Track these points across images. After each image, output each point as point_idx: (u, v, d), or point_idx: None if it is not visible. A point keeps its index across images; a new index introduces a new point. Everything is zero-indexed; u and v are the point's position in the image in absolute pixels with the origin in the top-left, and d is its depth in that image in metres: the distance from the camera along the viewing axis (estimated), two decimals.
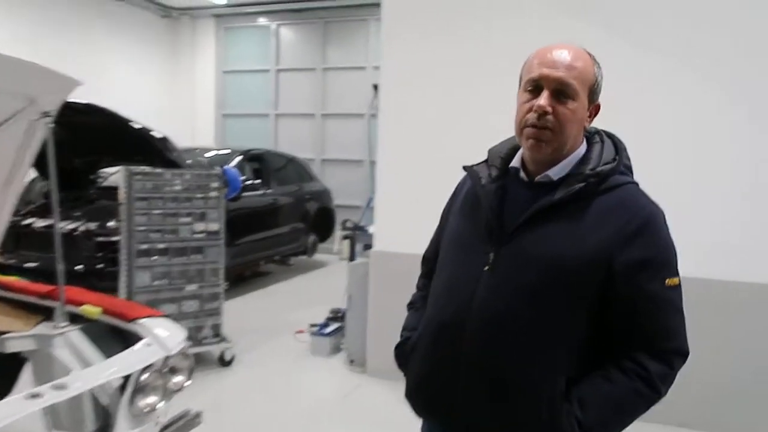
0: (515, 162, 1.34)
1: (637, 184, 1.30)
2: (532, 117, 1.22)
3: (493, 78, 3.51)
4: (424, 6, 3.70)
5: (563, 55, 1.23)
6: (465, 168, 1.44)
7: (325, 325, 4.43)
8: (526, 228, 1.25)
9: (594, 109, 1.29)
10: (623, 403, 1.20)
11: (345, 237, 5.21)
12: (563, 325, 1.24)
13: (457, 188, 1.51)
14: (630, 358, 1.20)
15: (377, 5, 3.89)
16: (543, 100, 1.21)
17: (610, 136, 1.35)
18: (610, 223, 1.21)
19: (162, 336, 1.97)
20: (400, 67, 3.78)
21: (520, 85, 1.30)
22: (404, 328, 1.55)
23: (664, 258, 1.24)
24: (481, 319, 1.26)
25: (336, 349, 4.31)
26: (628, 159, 1.32)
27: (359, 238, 4.85)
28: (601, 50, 1.36)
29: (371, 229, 4.40)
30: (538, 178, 1.29)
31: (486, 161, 1.41)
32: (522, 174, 1.32)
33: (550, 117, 1.21)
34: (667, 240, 1.26)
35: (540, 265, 1.22)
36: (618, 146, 1.32)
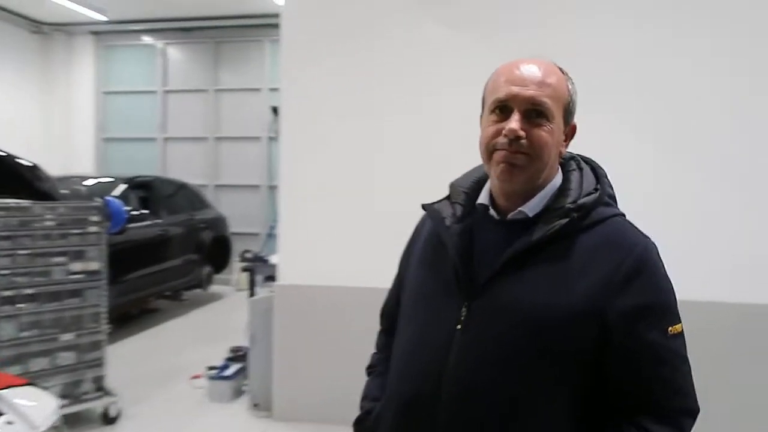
0: (483, 198, 1.16)
1: (623, 216, 1.13)
2: (502, 140, 1.06)
3: (401, 100, 3.51)
4: (325, 27, 3.58)
5: (533, 71, 1.08)
6: (424, 207, 1.24)
7: (225, 366, 4.08)
8: (501, 276, 1.07)
9: (570, 131, 1.14)
10: None
11: (245, 269, 4.91)
12: (553, 390, 1.05)
13: (416, 229, 1.31)
14: (634, 424, 1.03)
15: (273, 26, 3.70)
16: (514, 122, 1.05)
17: (588, 161, 1.20)
18: (600, 265, 1.04)
19: (26, 410, 1.62)
20: (301, 88, 3.61)
21: (483, 107, 1.14)
22: (364, 398, 1.34)
23: (664, 302, 1.06)
24: (457, 391, 1.07)
25: (238, 393, 3.97)
26: (611, 187, 1.16)
27: (260, 269, 4.58)
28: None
29: (273, 260, 4.17)
30: (511, 215, 1.12)
31: (448, 198, 1.22)
32: (492, 211, 1.14)
33: (523, 141, 1.05)
34: (666, 280, 1.08)
35: (522, 320, 1.04)
36: (598, 173, 1.16)
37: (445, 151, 2.98)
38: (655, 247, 1.09)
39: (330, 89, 3.56)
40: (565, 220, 1.06)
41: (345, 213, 3.58)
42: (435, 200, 1.25)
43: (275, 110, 6.25)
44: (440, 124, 3.40)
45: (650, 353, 1.03)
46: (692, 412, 1.06)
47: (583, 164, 1.17)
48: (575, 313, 1.02)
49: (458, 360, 1.07)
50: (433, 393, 1.08)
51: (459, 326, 1.08)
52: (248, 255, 4.93)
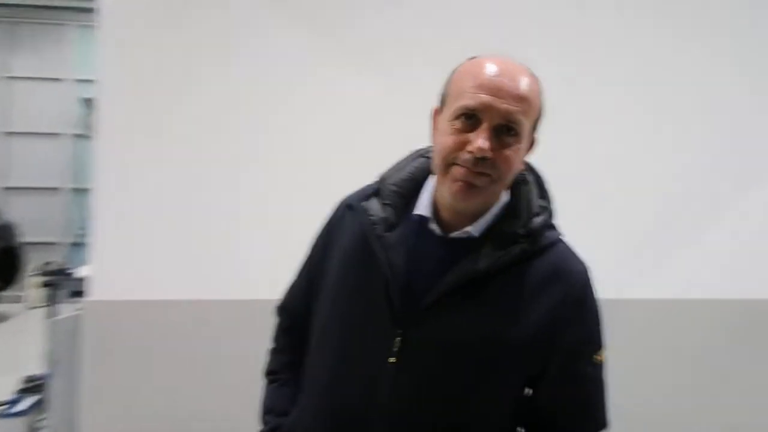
0: (423, 209, 1.04)
1: (563, 237, 1.08)
2: (466, 157, 0.95)
3: (241, 93, 3.29)
4: (152, 12, 3.21)
5: (513, 82, 0.95)
6: (350, 204, 1.08)
7: (16, 401, 3.48)
8: (443, 304, 0.97)
9: (530, 146, 1.03)
10: None
11: (45, 284, 4.23)
12: (496, 423, 1.02)
13: (332, 221, 1.13)
14: None
15: (80, 10, 3.24)
16: (483, 140, 0.93)
17: (531, 169, 1.11)
18: (548, 296, 1.00)
19: None
20: (124, 80, 3.20)
21: (443, 103, 1.01)
22: (268, 411, 1.16)
23: (599, 330, 1.06)
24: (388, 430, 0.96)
25: (32, 431, 3.40)
26: (551, 202, 1.10)
27: (64, 284, 3.97)
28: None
29: (82, 272, 3.65)
30: (455, 234, 1.01)
31: (376, 192, 1.06)
32: (434, 226, 1.03)
33: (488, 164, 0.95)
34: (598, 308, 1.07)
35: (468, 357, 0.97)
36: (542, 185, 1.08)
37: (284, 152, 2.89)
38: (590, 272, 1.07)
39: (156, 81, 3.20)
40: (517, 249, 0.99)
41: (171, 218, 3.23)
42: (358, 192, 1.10)
43: (87, 103, 5.54)
44: (277, 118, 3.21)
45: (583, 383, 1.04)
46: (606, 427, 1.09)
47: (527, 174, 1.09)
48: (525, 347, 0.98)
49: (391, 398, 0.95)
50: (362, 422, 0.96)
51: (392, 359, 0.95)
52: (50, 268, 4.27)
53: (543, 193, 1.07)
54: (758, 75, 3.63)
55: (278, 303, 1.26)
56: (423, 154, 1.10)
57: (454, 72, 1.02)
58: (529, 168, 1.11)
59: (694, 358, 3.24)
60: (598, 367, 1.05)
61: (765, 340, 3.35)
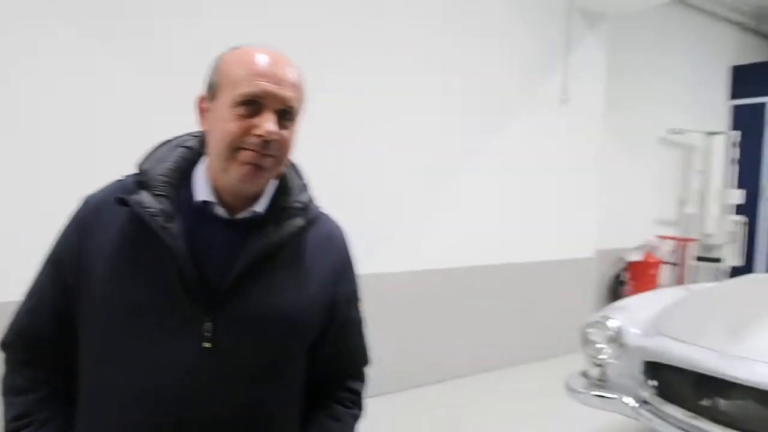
0: (204, 194, 1.04)
1: (323, 210, 1.21)
2: (254, 141, 0.98)
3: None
4: None
5: (282, 68, 1.02)
6: (124, 201, 1.01)
7: None
8: (244, 281, 1.00)
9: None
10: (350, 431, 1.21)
11: None
12: (298, 385, 1.13)
13: (83, 220, 1.05)
14: (343, 388, 1.21)
15: None
16: (271, 124, 0.99)
17: None
18: (326, 259, 1.13)
19: None
20: None
21: (213, 92, 1.03)
22: (17, 417, 1.04)
23: (358, 285, 1.23)
24: (222, 415, 0.98)
25: None
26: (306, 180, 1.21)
27: None
28: None
29: None
30: (242, 215, 1.05)
31: (142, 185, 1.03)
32: (220, 210, 1.05)
33: (274, 146, 1.01)
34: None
35: (278, 325, 1.03)
36: (297, 168, 1.17)
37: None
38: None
39: None
40: (300, 222, 1.07)
41: None
42: (111, 187, 1.06)
43: None
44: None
45: (355, 328, 1.22)
46: (368, 364, 1.28)
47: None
48: (317, 306, 1.09)
49: (213, 380, 0.97)
50: (183, 424, 0.96)
51: (207, 344, 0.96)
52: None
53: (299, 173, 1.16)
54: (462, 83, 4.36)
55: (3, 338, 1.09)
56: (180, 144, 1.10)
57: (220, 61, 1.05)
58: None
59: (426, 316, 4.21)
60: (361, 314, 1.24)
61: (482, 298, 4.60)
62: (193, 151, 1.10)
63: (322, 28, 3.68)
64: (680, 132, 6.66)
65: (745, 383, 2.39)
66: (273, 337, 1.03)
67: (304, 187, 1.14)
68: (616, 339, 2.88)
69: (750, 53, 7.52)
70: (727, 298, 3.23)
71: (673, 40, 6.60)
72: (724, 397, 2.64)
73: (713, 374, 2.48)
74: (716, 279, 6.81)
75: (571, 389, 3.04)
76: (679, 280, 6.36)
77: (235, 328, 0.99)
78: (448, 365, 4.49)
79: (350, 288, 1.18)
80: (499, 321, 4.81)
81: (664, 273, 6.24)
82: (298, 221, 1.07)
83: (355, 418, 1.22)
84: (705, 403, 2.68)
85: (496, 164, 4.70)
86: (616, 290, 6.14)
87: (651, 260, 6.02)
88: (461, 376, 4.54)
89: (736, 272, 6.70)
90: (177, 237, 0.99)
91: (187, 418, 0.97)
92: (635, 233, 6.34)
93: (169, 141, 1.12)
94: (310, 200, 1.13)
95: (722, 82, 7.39)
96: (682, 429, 2.57)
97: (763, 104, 7.20)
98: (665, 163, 6.71)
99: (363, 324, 1.24)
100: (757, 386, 2.36)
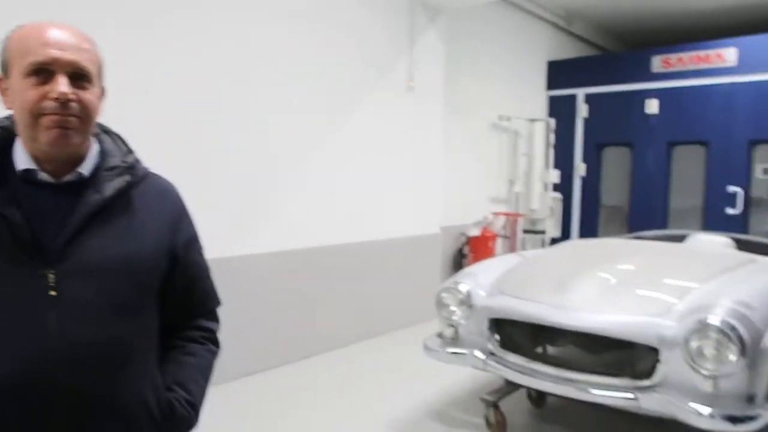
0: (25, 163, 1.13)
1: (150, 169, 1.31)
2: (51, 104, 1.07)
3: None
4: None
5: (67, 36, 1.11)
6: None
7: None
8: (81, 235, 1.11)
9: (101, 95, 1.19)
10: (207, 367, 1.33)
11: None
12: (152, 326, 1.23)
13: None
14: (195, 327, 1.32)
15: None
16: (63, 86, 1.07)
17: (101, 125, 1.26)
18: (162, 212, 1.24)
19: None
20: None
21: (5, 70, 1.12)
22: None
23: (197, 232, 1.34)
24: (76, 353, 1.07)
25: None
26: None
27: None
28: None
29: None
30: (68, 178, 1.14)
31: None
32: (44, 175, 1.13)
33: (74, 105, 1.09)
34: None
35: (118, 271, 1.13)
36: (120, 136, 1.27)
37: None
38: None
39: None
40: (128, 178, 1.18)
41: None
42: None
43: None
44: None
45: (200, 272, 1.33)
46: (220, 304, 1.41)
47: (104, 127, 1.27)
48: (158, 253, 1.20)
49: (63, 325, 1.06)
50: (39, 369, 1.05)
51: (52, 292, 1.07)
52: None
53: (123, 140, 1.27)
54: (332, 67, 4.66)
55: None
56: None
57: (7, 41, 1.13)
58: (101, 125, 1.27)
59: (288, 296, 4.43)
60: (204, 260, 1.36)
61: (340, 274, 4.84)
62: (7, 131, 1.16)
63: (159, 18, 3.59)
64: (508, 119, 7.43)
65: (568, 328, 2.87)
66: (115, 283, 1.12)
67: (129, 151, 1.23)
68: (466, 301, 3.25)
69: (563, 50, 8.57)
70: (553, 260, 3.77)
71: (502, 35, 7.32)
72: (554, 342, 3.13)
73: (545, 323, 2.94)
74: (541, 248, 7.76)
75: (428, 349, 3.38)
76: (512, 251, 7.13)
77: (76, 277, 1.08)
78: (312, 342, 4.67)
79: (188, 235, 1.30)
80: (359, 296, 5.08)
81: (499, 245, 6.96)
82: (126, 178, 1.17)
83: (212, 353, 1.35)
84: (539, 349, 3.15)
85: (349, 148, 4.92)
86: (459, 262, 6.74)
87: (488, 234, 6.69)
88: (327, 350, 4.75)
89: (555, 242, 7.68)
90: (6, 205, 1.07)
91: (52, 358, 1.05)
92: (473, 210, 6.99)
93: None
94: (137, 161, 1.23)
95: (541, 75, 8.34)
96: (522, 373, 3.00)
97: (574, 95, 8.27)
98: (497, 147, 7.45)
99: (208, 269, 1.36)
100: (578, 330, 2.84)
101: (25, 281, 1.06)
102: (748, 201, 7.14)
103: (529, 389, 3.59)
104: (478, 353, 3.19)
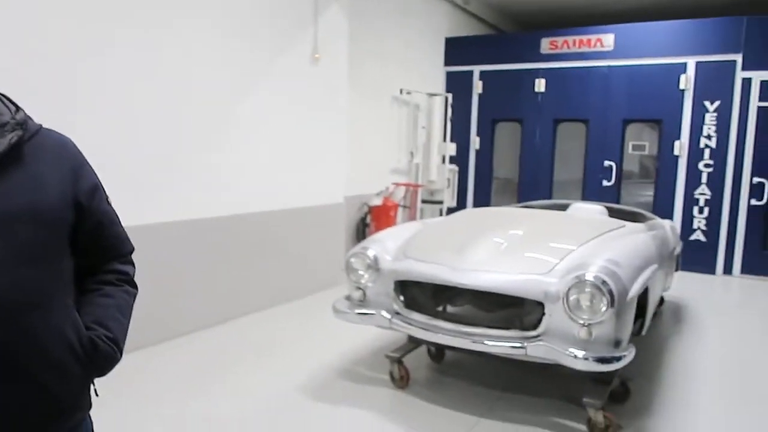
0: None
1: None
2: None
3: None
4: None
5: None
6: None
7: None
8: None
9: None
10: (125, 306, 1.39)
11: None
12: (65, 272, 1.28)
13: None
14: (109, 270, 1.39)
15: None
16: None
17: None
18: (61, 164, 1.27)
19: None
20: None
21: None
22: None
23: (99, 181, 1.39)
24: None
25: None
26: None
27: None
28: None
29: None
30: None
31: None
32: None
33: None
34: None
35: (20, 222, 1.16)
36: (7, 97, 1.29)
37: None
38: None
39: None
40: (20, 132, 1.21)
41: None
42: None
43: None
44: None
45: (107, 219, 1.38)
46: (133, 250, 1.49)
47: None
48: (62, 203, 1.25)
49: None
50: None
51: None
52: None
53: (10, 100, 1.29)
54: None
55: None
56: None
57: None
58: None
59: (195, 266, 4.46)
60: (111, 206, 1.41)
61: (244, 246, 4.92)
62: None
63: None
64: (409, 92, 7.68)
65: (466, 287, 3.15)
66: (22, 232, 1.16)
67: (18, 109, 1.25)
68: (373, 265, 3.45)
69: (460, 28, 8.92)
70: (451, 227, 4.06)
71: (403, 11, 7.50)
72: (453, 301, 3.41)
73: (445, 283, 3.21)
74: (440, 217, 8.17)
75: (337, 311, 3.56)
76: (411, 220, 7.46)
77: None
78: (224, 309, 4.72)
79: (90, 183, 1.33)
80: (267, 264, 5.16)
81: (400, 214, 7.25)
82: (18, 133, 1.19)
83: (129, 294, 1.41)
84: (440, 308, 3.43)
85: (257, 121, 4.93)
86: (363, 231, 6.95)
87: (389, 204, 6.94)
88: (238, 317, 4.82)
89: (451, 212, 8.11)
90: None
91: None
92: (375, 181, 7.21)
93: None
94: (28, 118, 1.25)
95: (439, 52, 8.64)
96: (425, 329, 3.27)
97: (471, 72, 8.66)
98: (398, 120, 7.69)
99: (115, 214, 1.41)
100: (474, 288, 3.14)
101: None
102: (620, 174, 7.92)
103: (428, 346, 3.89)
104: (384, 313, 3.41)
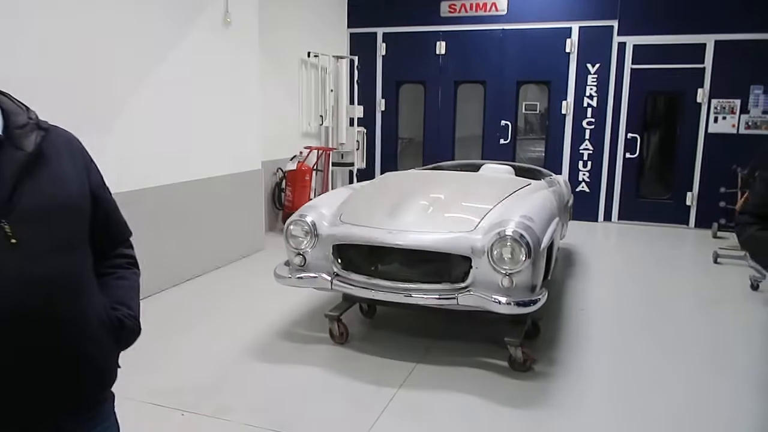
0: None
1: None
2: None
3: None
4: None
5: None
6: None
7: None
8: (19, 188, 1.23)
9: None
10: (137, 287, 1.56)
11: None
12: (88, 258, 1.41)
13: None
14: (118, 255, 1.55)
15: None
16: None
17: None
18: (74, 158, 1.38)
19: None
20: None
21: None
22: None
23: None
24: (40, 287, 1.24)
25: None
26: None
27: None
28: None
29: None
30: None
31: None
32: None
33: None
34: None
35: (57, 215, 1.28)
36: (12, 96, 1.36)
37: None
38: None
39: None
40: (42, 133, 1.31)
41: None
42: None
43: None
44: None
45: (112, 208, 1.53)
46: (131, 235, 1.63)
47: None
48: (81, 195, 1.38)
49: (30, 263, 1.23)
50: (19, 301, 1.21)
51: (13, 239, 1.22)
52: None
53: (16, 100, 1.36)
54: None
55: None
56: None
57: None
58: None
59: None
60: (111, 196, 1.53)
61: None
62: None
63: None
64: (316, 55, 7.73)
65: (400, 247, 3.46)
66: (60, 222, 1.28)
67: (27, 109, 1.32)
68: (311, 232, 3.66)
69: None
70: (379, 192, 4.32)
71: None
72: (387, 260, 3.71)
73: (380, 244, 3.49)
74: (351, 180, 8.40)
75: (279, 276, 3.75)
76: (325, 183, 7.64)
77: (28, 223, 1.22)
78: (149, 283, 4.62)
79: (99, 176, 1.46)
80: (191, 234, 5.17)
81: (314, 178, 7.40)
82: (40, 133, 1.29)
83: (136, 275, 1.58)
84: (374, 267, 3.71)
85: (170, 88, 4.84)
86: (279, 196, 7.05)
87: (304, 168, 7.06)
88: (166, 287, 4.83)
89: (361, 173, 8.37)
90: None
91: (22, 290, 1.21)
92: (287, 146, 7.28)
93: None
94: (38, 116, 1.33)
95: (342, 13, 8.70)
96: (362, 287, 3.55)
97: (374, 34, 8.82)
98: (306, 83, 7.74)
99: (115, 203, 1.54)
100: (408, 247, 3.45)
101: None
102: (515, 132, 8.54)
103: (361, 303, 4.20)
104: (324, 275, 3.65)
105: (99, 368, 1.40)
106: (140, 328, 1.51)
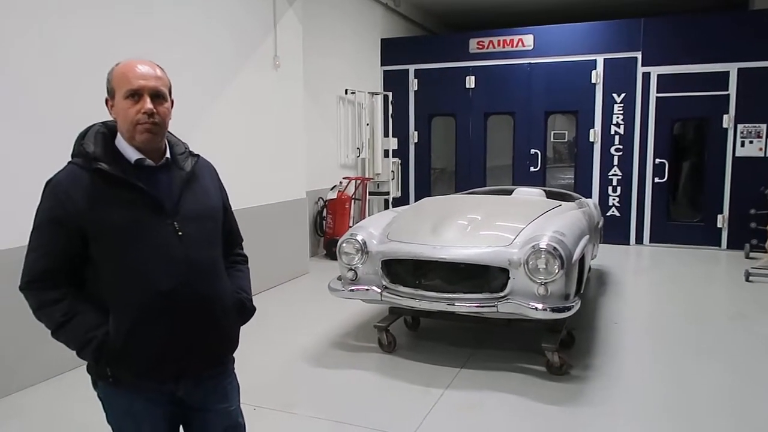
0: (134, 155, 1.65)
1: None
2: (142, 117, 1.60)
3: None
4: None
5: (148, 69, 1.64)
6: (100, 169, 1.59)
7: None
8: (183, 197, 1.69)
9: (172, 104, 1.74)
10: (249, 277, 1.99)
11: None
12: (221, 250, 1.86)
13: (65, 192, 1.60)
14: (236, 254, 1.98)
15: None
16: (148, 104, 1.61)
17: None
18: (214, 179, 1.87)
19: None
20: None
21: (112, 94, 1.65)
22: (87, 330, 1.59)
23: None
24: (197, 269, 1.69)
25: None
26: None
27: None
28: None
29: None
30: (160, 162, 1.69)
31: (97, 158, 1.61)
32: (149, 161, 1.67)
33: (156, 116, 1.62)
34: None
35: (207, 217, 1.75)
36: (171, 132, 1.81)
37: None
38: None
39: None
40: (196, 158, 1.80)
41: None
42: (70, 169, 1.63)
43: None
44: None
45: (233, 218, 1.97)
46: (242, 239, 2.06)
47: None
48: (221, 206, 1.87)
49: (191, 251, 1.68)
50: (185, 279, 1.65)
51: (180, 233, 1.65)
52: None
53: (173, 135, 1.83)
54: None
55: (26, 280, 1.62)
56: (98, 131, 1.68)
57: (111, 74, 1.66)
58: None
59: None
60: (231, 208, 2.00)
61: None
62: (109, 132, 1.70)
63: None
64: (353, 92, 8.24)
65: (445, 261, 3.80)
66: (207, 224, 1.75)
67: (181, 141, 1.80)
68: (362, 249, 4.03)
69: (394, 29, 9.55)
70: (421, 214, 4.68)
71: (344, 15, 8.04)
72: (431, 274, 4.04)
73: (426, 259, 3.84)
74: (386, 207, 8.80)
75: (333, 289, 4.11)
76: (363, 211, 8.05)
77: (189, 222, 1.68)
78: None
79: (226, 194, 1.93)
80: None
81: (352, 207, 7.82)
82: (195, 158, 1.78)
83: (248, 269, 2.02)
84: (418, 281, 4.05)
85: (224, 124, 5.34)
86: (321, 223, 7.47)
87: (344, 197, 7.49)
88: None
89: (396, 202, 8.77)
90: (143, 181, 1.62)
91: (187, 271, 1.66)
92: (326, 177, 7.73)
93: (87, 130, 1.69)
94: (188, 147, 1.81)
95: (376, 52, 9.25)
96: (409, 297, 3.89)
97: (406, 70, 9.34)
98: (344, 118, 8.23)
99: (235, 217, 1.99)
100: (452, 261, 3.79)
101: (160, 227, 1.63)
102: (544, 160, 8.86)
103: (406, 316, 4.53)
104: (375, 288, 4.00)
105: (229, 336, 1.83)
106: (255, 309, 1.94)
